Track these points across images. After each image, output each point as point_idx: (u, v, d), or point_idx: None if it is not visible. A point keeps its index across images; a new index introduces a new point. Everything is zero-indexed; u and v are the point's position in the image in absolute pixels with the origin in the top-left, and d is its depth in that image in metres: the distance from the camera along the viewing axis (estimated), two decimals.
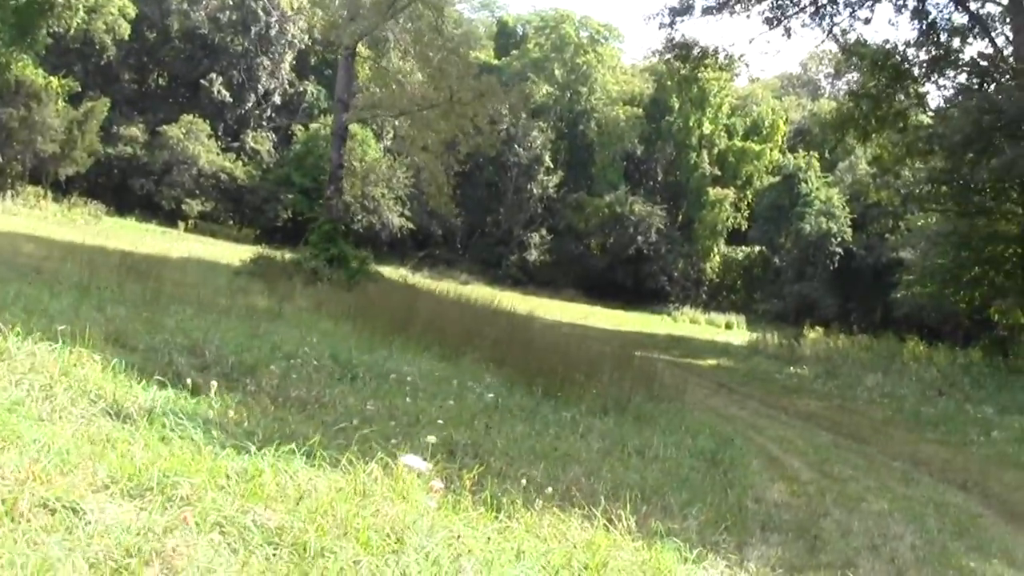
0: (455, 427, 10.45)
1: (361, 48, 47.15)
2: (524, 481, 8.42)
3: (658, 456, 12.17)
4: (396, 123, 50.87)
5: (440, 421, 10.46)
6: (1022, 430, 21.62)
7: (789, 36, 46.69)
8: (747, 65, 55.50)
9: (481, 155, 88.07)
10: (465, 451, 9.43)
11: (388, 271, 59.30)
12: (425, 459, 7.87)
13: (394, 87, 46.73)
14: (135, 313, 14.53)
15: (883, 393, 28.68)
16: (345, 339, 17.09)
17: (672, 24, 47.35)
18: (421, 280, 57.14)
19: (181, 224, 75.74)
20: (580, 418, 13.71)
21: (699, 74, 76.77)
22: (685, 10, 46.61)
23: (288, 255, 42.22)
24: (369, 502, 6.64)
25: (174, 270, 28.70)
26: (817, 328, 52.77)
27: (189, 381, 9.47)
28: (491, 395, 13.67)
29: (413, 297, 28.60)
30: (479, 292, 51.00)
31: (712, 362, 36.13)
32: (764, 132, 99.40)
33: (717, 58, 49.60)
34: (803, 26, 47.82)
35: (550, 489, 8.29)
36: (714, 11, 45.89)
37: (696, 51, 48.60)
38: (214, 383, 9.57)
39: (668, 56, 50.09)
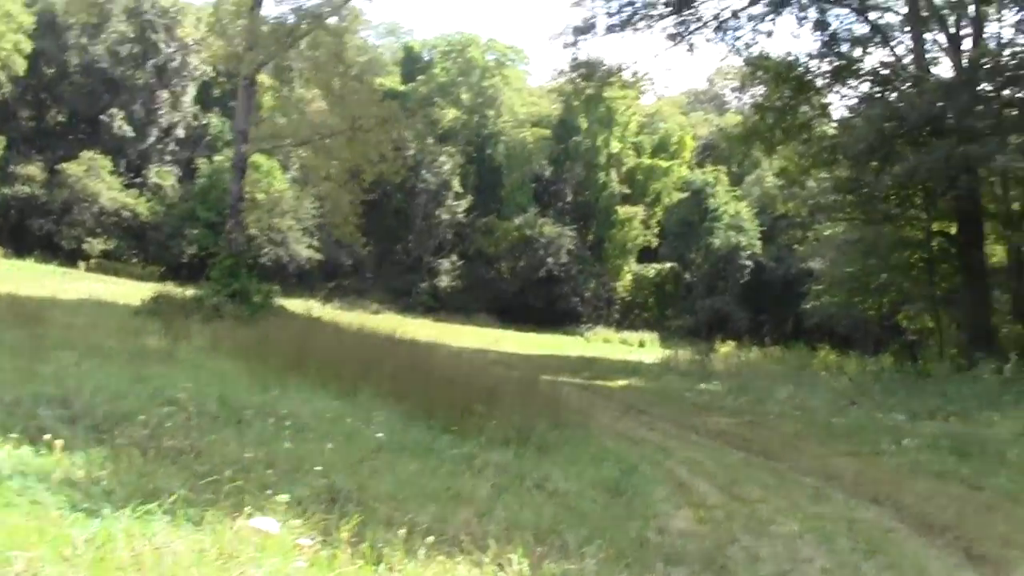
0: (339, 471, 9.74)
1: (264, 77, 46.60)
2: (405, 530, 7.81)
3: (557, 490, 11.67)
4: (301, 153, 49.79)
5: (318, 468, 9.64)
6: (932, 436, 21.34)
7: (692, 51, 46.87)
8: (652, 82, 55.15)
9: (388, 183, 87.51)
10: (348, 498, 8.75)
11: (296, 304, 58.29)
12: (282, 518, 7.30)
13: (295, 116, 46.12)
14: (8, 362, 13.76)
15: (794, 406, 28.31)
16: (237, 379, 16.40)
17: (575, 43, 47.28)
18: (330, 312, 56.53)
19: (82, 264, 74.38)
20: (478, 452, 13.15)
21: (605, 93, 77.10)
22: (588, 29, 46.50)
23: (190, 292, 41.40)
24: (234, 564, 6.12)
25: (66, 312, 28.13)
26: (728, 342, 52.62)
27: (48, 436, 8.65)
28: (382, 434, 13.00)
29: (315, 331, 27.80)
30: (388, 322, 50.51)
31: (623, 383, 35.55)
32: (672, 149, 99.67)
33: (622, 76, 49.45)
34: (707, 41, 48.01)
35: (432, 538, 7.71)
36: (617, 29, 45.73)
37: (601, 69, 48.45)
38: (77, 437, 8.96)
39: (573, 75, 49.92)
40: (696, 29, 46.65)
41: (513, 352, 48.26)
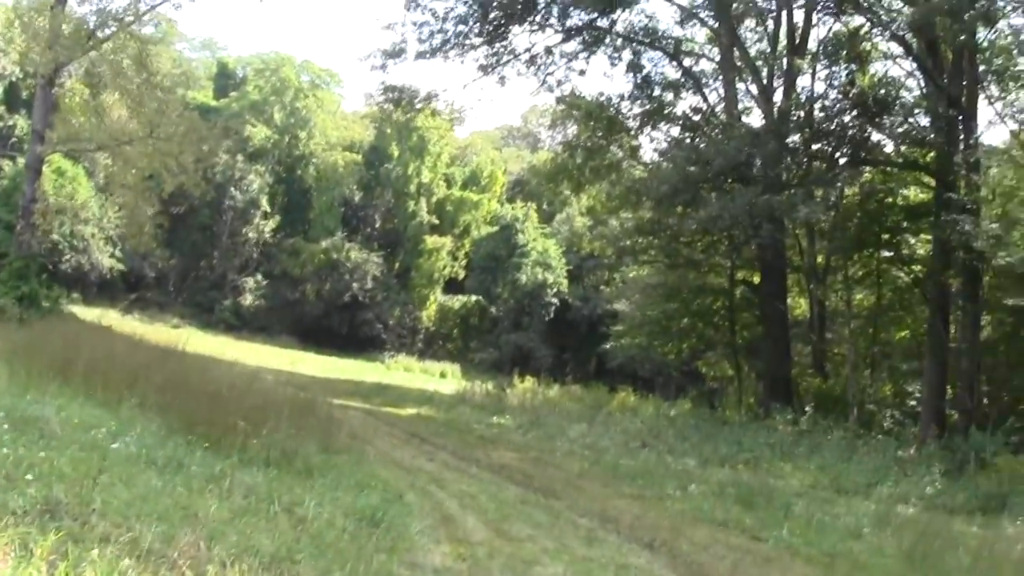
0: (67, 483, 9.00)
1: (73, 82, 45.40)
2: (113, 549, 7.21)
3: (307, 516, 11.09)
4: (103, 159, 48.38)
5: (43, 477, 8.93)
6: (720, 484, 21.20)
7: (503, 84, 46.66)
8: (462, 112, 54.72)
9: (195, 198, 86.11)
10: (68, 511, 8.13)
11: (94, 313, 57.27)
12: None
13: (94, 120, 44.85)
14: None
15: (584, 444, 28.07)
16: None
17: (384, 67, 46.59)
18: (126, 323, 55.21)
19: None
20: (231, 471, 12.52)
21: (417, 122, 76.86)
22: (398, 53, 45.86)
23: None
24: None
25: None
26: (528, 378, 52.40)
27: None
28: (133, 446, 12.40)
29: (97, 339, 26.70)
30: (183, 336, 49.34)
31: (412, 411, 34.91)
32: (483, 182, 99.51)
33: (431, 104, 49.03)
34: (518, 75, 47.83)
35: (136, 560, 7.11)
36: (427, 56, 45.20)
37: (409, 95, 47.98)
38: None
39: (381, 100, 49.42)
40: (508, 62, 46.54)
41: (307, 374, 47.59)
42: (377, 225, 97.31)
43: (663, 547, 14.36)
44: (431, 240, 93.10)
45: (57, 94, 45.27)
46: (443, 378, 66.38)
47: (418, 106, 49.36)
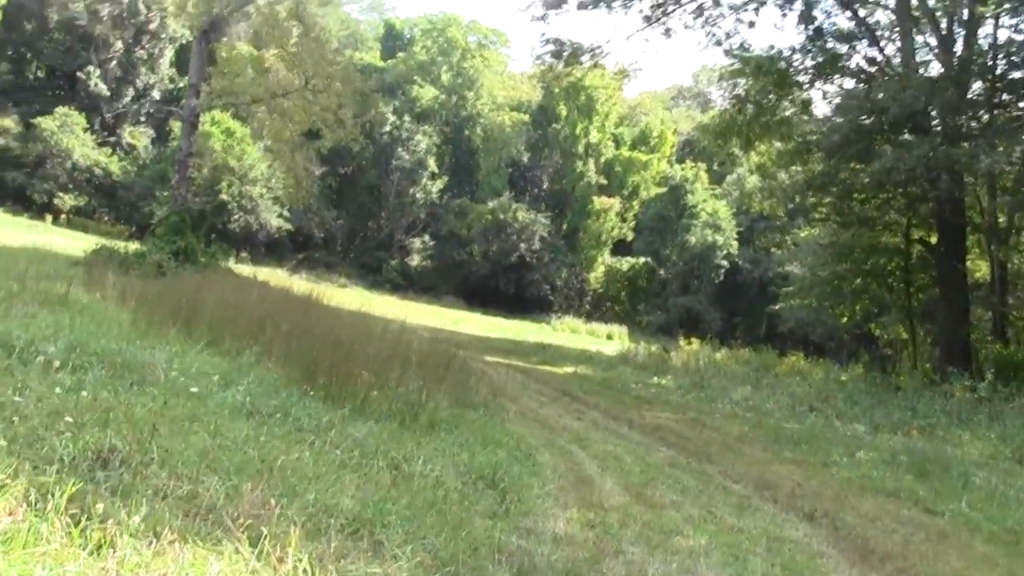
0: (135, 430, 8.06)
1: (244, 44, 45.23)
2: (163, 504, 6.28)
3: (415, 474, 10.03)
4: (258, 113, 47.97)
5: (112, 422, 8.05)
6: (891, 451, 19.62)
7: (668, 36, 44.76)
8: (627, 69, 52.98)
9: (363, 158, 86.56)
10: (125, 461, 7.22)
11: (264, 272, 57.44)
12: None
13: (250, 74, 44.42)
14: None
15: (747, 407, 26.63)
16: (114, 327, 15.03)
17: (544, 17, 45.21)
18: (294, 282, 55.05)
19: (48, 217, 72.94)
20: (343, 422, 11.60)
21: (585, 81, 75.63)
22: (558, 3, 44.39)
23: (133, 247, 39.91)
24: None
25: (10, 259, 26.61)
26: (694, 340, 50.99)
27: None
28: (240, 395, 11.56)
29: (239, 291, 25.84)
30: (348, 296, 49.15)
31: (569, 370, 33.81)
32: (652, 142, 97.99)
33: (593, 56, 47.49)
34: (685, 28, 45.88)
35: (189, 517, 6.13)
36: (589, 5, 43.76)
37: (571, 47, 46.54)
38: None
39: (542, 52, 48.03)
40: (673, 11, 44.69)
41: (468, 333, 46.91)
42: (545, 186, 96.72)
43: (824, 518, 12.92)
44: (599, 201, 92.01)
45: (215, 48, 44.99)
46: (609, 340, 65.25)
47: (581, 59, 47.82)
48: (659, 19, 44.66)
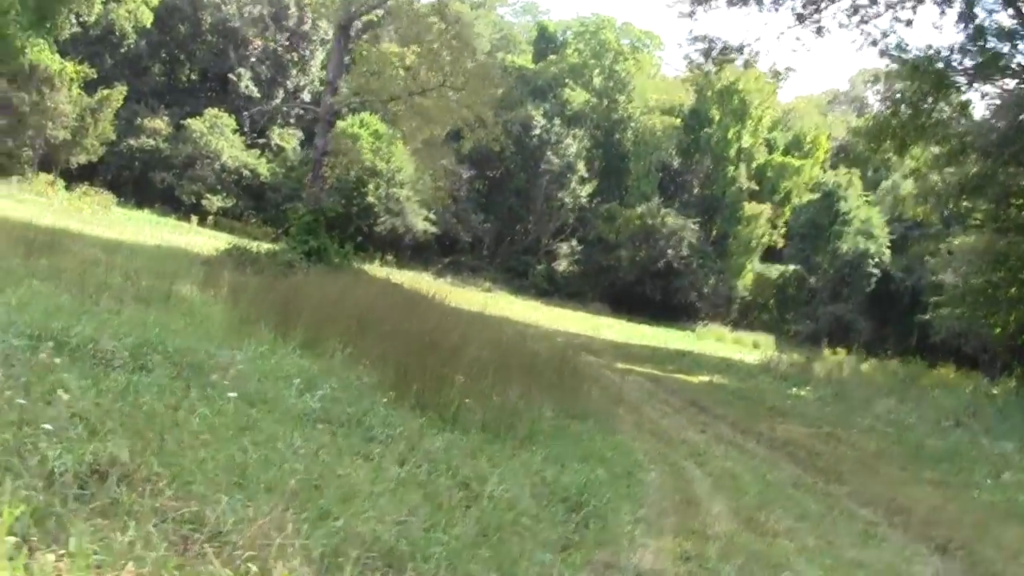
0: (144, 441, 7.10)
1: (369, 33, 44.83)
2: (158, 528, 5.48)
3: (483, 494, 8.89)
4: (394, 111, 47.31)
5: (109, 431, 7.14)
6: None
7: (821, 34, 43.06)
8: (780, 70, 51.39)
9: (512, 161, 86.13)
10: (126, 475, 6.32)
11: (407, 275, 57.22)
12: None
13: (388, 71, 43.80)
14: None
15: (888, 420, 25.22)
16: (209, 326, 14.63)
17: (692, 14, 43.76)
18: (438, 285, 54.65)
19: (195, 218, 73.47)
20: (420, 432, 10.69)
21: (734, 82, 74.08)
22: None
23: (265, 247, 39.64)
24: None
25: (134, 257, 26.62)
26: (840, 350, 49.36)
27: None
28: (316, 400, 10.81)
29: (364, 294, 24.88)
30: (495, 301, 48.57)
31: (704, 379, 32.51)
32: (805, 147, 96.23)
33: (743, 54, 45.95)
34: (840, 26, 44.12)
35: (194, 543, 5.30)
36: (739, 3, 42.36)
37: (720, 45, 45.15)
38: None
39: (689, 50, 46.74)
40: (827, 7, 42.95)
41: (606, 339, 45.72)
42: (695, 191, 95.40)
43: (960, 551, 11.54)
44: (750, 207, 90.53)
45: (353, 46, 44.63)
46: (756, 349, 63.74)
47: (730, 58, 46.31)
48: (812, 16, 43.03)
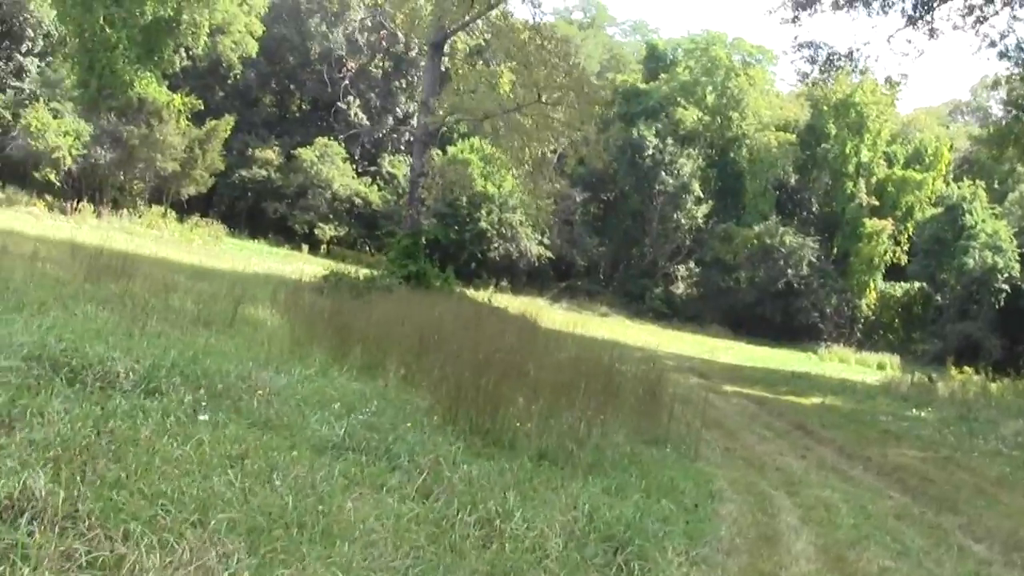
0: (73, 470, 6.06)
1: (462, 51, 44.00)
2: None
3: (506, 533, 7.70)
4: (492, 129, 46.26)
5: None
6: None
7: (933, 36, 40.99)
8: (896, 81, 49.20)
9: (626, 183, 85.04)
10: (42, 512, 5.43)
11: (521, 301, 56.52)
12: None
13: (482, 89, 42.78)
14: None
15: (1016, 444, 23.03)
16: (258, 349, 13.91)
17: (796, 20, 41.91)
18: (551, 311, 53.85)
19: (305, 247, 73.36)
20: (457, 460, 9.63)
21: (850, 95, 72.14)
22: (811, 2, 41.08)
23: (363, 272, 38.87)
24: None
25: (221, 283, 26.36)
26: (967, 369, 47.23)
27: None
28: (347, 425, 9.85)
29: (441, 316, 23.50)
30: (608, 325, 47.70)
31: (816, 400, 30.75)
32: (927, 160, 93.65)
33: (852, 59, 43.94)
34: (954, 28, 42.23)
35: None
36: (844, 6, 40.53)
37: (826, 51, 43.34)
38: None
39: (795, 58, 44.82)
40: (938, 6, 40.84)
41: (720, 362, 44.43)
42: (813, 208, 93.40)
43: None
44: (870, 223, 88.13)
45: (448, 66, 43.93)
46: (880, 370, 61.74)
47: (838, 64, 44.36)
48: (923, 18, 41.08)
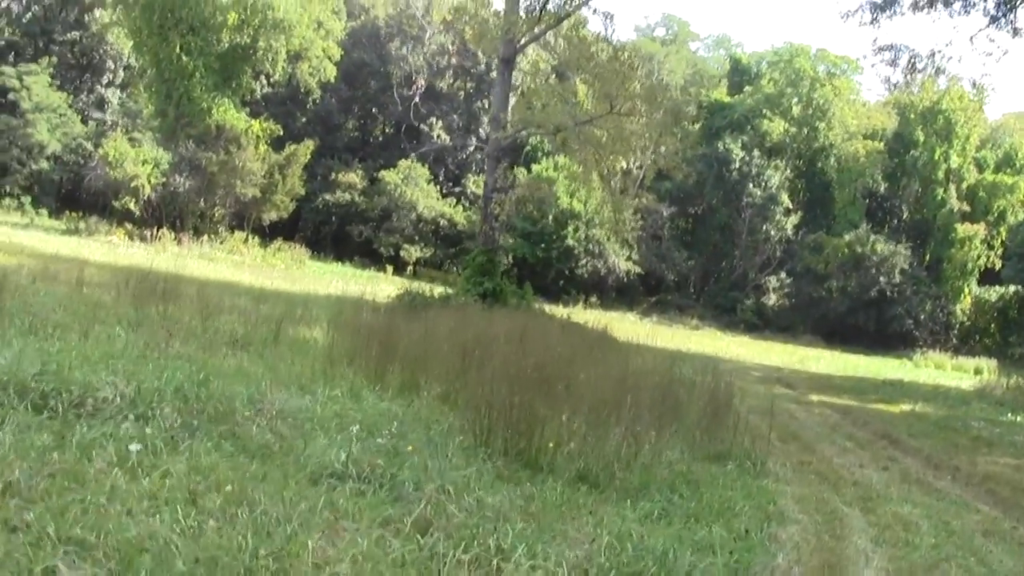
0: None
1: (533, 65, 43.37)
2: None
3: (506, 573, 6.81)
4: (565, 143, 45.53)
5: None
6: None
7: (1017, 35, 39.58)
8: (981, 83, 47.70)
9: (714, 196, 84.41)
10: None
11: (613, 317, 56.34)
12: None
13: (554, 102, 42.03)
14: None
15: None
16: (285, 368, 13.51)
17: (875, 22, 40.68)
18: (639, 326, 53.29)
19: (389, 268, 73.48)
20: (473, 487, 8.72)
21: (937, 102, 70.62)
22: (889, 4, 39.88)
23: (438, 291, 38.38)
24: None
25: (286, 305, 25.77)
26: None
27: None
28: (355, 450, 9.03)
29: (515, 332, 22.34)
30: (699, 338, 47.21)
31: (906, 408, 29.22)
32: (1017, 164, 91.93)
33: (935, 62, 42.58)
34: None
35: None
36: (925, 7, 39.28)
37: (907, 54, 42.12)
38: None
39: (875, 61, 43.65)
40: (1021, 3, 39.37)
41: (810, 371, 43.29)
42: (904, 216, 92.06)
43: None
44: (963, 228, 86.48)
45: (518, 80, 43.40)
46: (977, 375, 60.31)
47: (920, 68, 43.07)
48: (1006, 16, 39.72)
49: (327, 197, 79.78)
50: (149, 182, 59.11)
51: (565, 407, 11.30)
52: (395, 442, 9.78)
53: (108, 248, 45.96)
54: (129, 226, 60.05)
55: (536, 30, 40.30)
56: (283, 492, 7.18)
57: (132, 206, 60.21)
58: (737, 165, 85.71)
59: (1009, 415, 28.85)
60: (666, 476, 11.07)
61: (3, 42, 77.16)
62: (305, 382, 12.33)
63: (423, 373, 13.88)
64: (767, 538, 9.74)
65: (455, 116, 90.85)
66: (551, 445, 10.56)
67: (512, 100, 45.38)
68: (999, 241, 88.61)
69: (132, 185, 58.72)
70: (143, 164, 59.26)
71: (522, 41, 40.77)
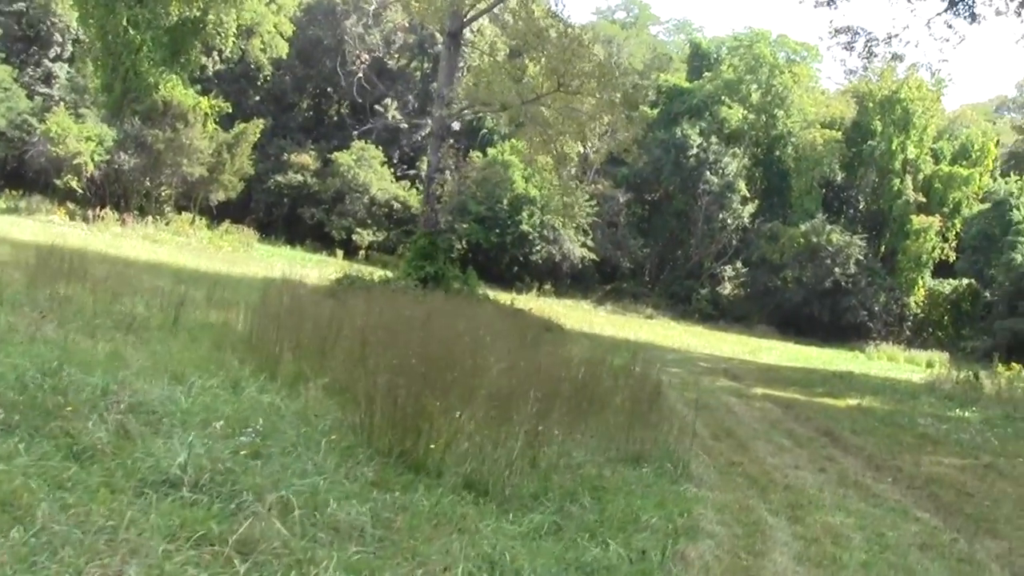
0: None
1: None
2: None
3: None
4: (513, 122, 44.63)
5: None
6: None
7: (975, 20, 38.96)
8: (941, 78, 47.12)
9: (671, 183, 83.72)
10: None
11: (567, 305, 55.77)
12: None
13: (499, 78, 41.15)
14: None
15: None
16: (173, 356, 12.40)
17: (831, 2, 40.05)
18: (593, 315, 52.74)
19: (340, 253, 72.07)
20: (337, 497, 7.68)
21: (896, 91, 70.05)
22: None
23: (378, 274, 37.42)
24: None
25: (209, 287, 24.29)
26: (1014, 365, 45.12)
27: None
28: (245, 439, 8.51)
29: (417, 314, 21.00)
30: (650, 327, 46.66)
31: (852, 402, 28.22)
32: (973, 156, 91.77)
33: (891, 46, 41.99)
34: (997, 14, 40.06)
35: None
36: None
37: (863, 37, 41.43)
38: None
39: (831, 44, 42.94)
40: None
41: (759, 363, 42.57)
42: (860, 206, 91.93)
43: None
44: (918, 220, 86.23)
45: (471, 59, 42.51)
46: (929, 368, 59.77)
47: (875, 52, 42.43)
48: (963, 1, 39.07)
49: (279, 178, 78.42)
50: (92, 159, 57.57)
51: (461, 401, 10.20)
52: (259, 441, 8.78)
53: (42, 227, 44.44)
54: (71, 205, 58.65)
55: (483, 4, 39.42)
56: (91, 504, 6.15)
57: (75, 184, 58.74)
58: (695, 151, 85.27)
59: (957, 411, 28.13)
60: (568, 482, 10.05)
61: None
62: (183, 370, 11.28)
63: (320, 362, 12.84)
64: (672, 558, 8.56)
65: (410, 97, 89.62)
66: (439, 445, 9.49)
67: (465, 79, 44.29)
68: (954, 233, 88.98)
69: (75, 163, 57.23)
70: (86, 141, 57.73)
71: (469, 14, 39.85)
